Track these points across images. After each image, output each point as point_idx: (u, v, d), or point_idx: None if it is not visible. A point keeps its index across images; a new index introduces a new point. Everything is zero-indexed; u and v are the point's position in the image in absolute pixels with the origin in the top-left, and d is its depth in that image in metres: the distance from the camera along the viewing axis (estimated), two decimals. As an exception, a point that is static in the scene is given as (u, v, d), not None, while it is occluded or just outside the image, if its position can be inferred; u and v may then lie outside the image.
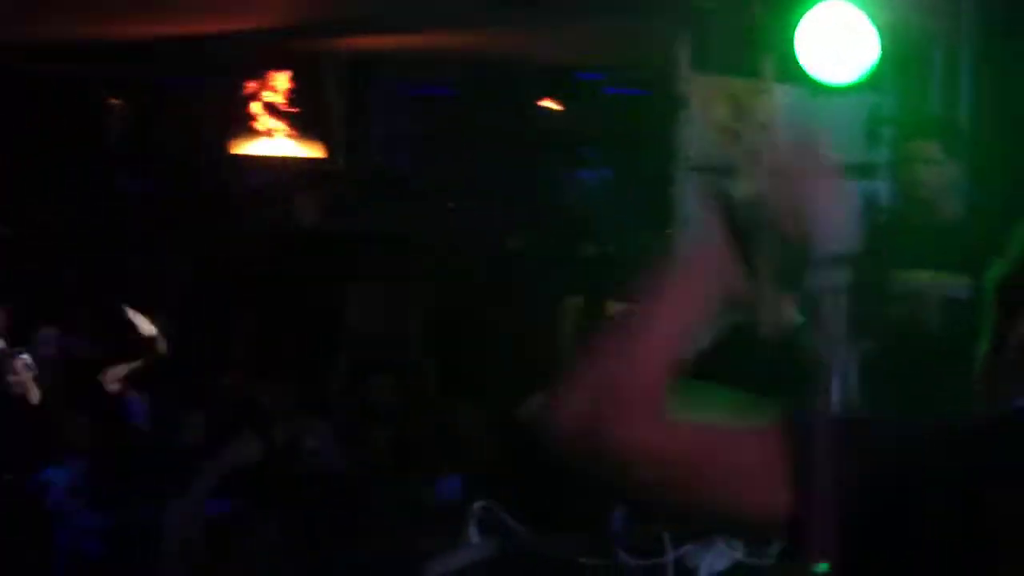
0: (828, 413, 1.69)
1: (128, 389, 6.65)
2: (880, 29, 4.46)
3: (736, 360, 3.70)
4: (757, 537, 3.05)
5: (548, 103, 10.30)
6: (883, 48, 4.48)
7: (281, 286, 9.01)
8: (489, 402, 6.61)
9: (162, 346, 7.16)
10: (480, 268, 8.94)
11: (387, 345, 8.20)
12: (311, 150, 9.70)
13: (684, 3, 5.65)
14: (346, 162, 9.67)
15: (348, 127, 9.51)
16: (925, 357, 4.62)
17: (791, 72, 5.01)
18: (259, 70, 9.66)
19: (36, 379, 6.40)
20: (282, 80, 9.62)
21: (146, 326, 7.13)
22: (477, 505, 3.07)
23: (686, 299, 1.50)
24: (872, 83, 4.97)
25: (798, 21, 4.63)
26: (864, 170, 5.66)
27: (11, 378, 6.31)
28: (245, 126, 9.77)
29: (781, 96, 5.20)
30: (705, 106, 5.40)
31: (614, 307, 8.93)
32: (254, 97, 9.69)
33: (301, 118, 9.59)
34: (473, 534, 3.04)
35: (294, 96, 9.60)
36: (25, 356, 6.48)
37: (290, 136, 9.71)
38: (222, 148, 9.89)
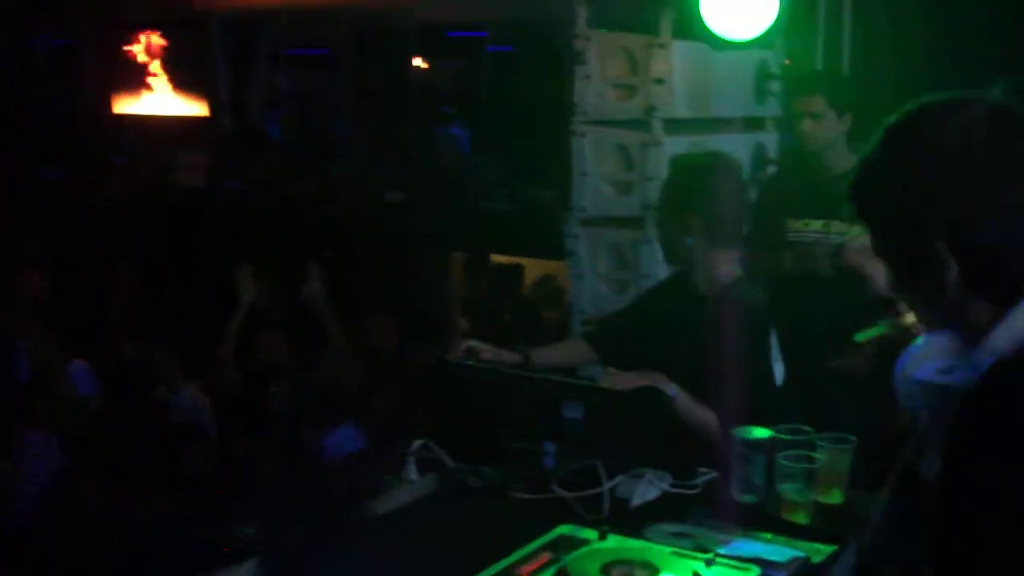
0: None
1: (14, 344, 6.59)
2: (777, -15, 4.60)
3: (673, 311, 3.85)
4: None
5: (428, 61, 10.36)
6: (781, 5, 4.62)
7: (163, 246, 8.96)
8: (387, 352, 6.72)
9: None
10: (363, 223, 8.97)
11: (275, 304, 8.21)
12: (194, 109, 9.63)
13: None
14: (229, 121, 9.62)
15: (231, 87, 9.44)
16: (818, 301, 4.81)
17: (687, 28, 5.14)
18: (142, 28, 9.56)
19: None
20: (165, 39, 9.54)
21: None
22: (416, 444, 3.17)
23: None
24: (760, 39, 5.09)
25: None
26: (753, 124, 5.85)
27: None
28: (126, 84, 9.66)
29: (675, 52, 5.34)
30: (601, 62, 5.51)
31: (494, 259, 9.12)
32: (136, 56, 9.59)
33: (184, 77, 9.52)
34: (412, 472, 3.14)
35: (177, 55, 9.52)
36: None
37: (173, 95, 9.63)
38: (102, 106, 9.78)
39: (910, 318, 3.73)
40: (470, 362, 3.59)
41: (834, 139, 4.86)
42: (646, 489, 3.07)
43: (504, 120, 9.43)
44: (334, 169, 10.01)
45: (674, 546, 2.57)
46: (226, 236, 8.77)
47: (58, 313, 7.32)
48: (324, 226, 8.89)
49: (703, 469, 3.20)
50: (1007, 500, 1.53)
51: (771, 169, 5.78)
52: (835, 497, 3.03)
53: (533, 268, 8.80)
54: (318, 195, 9.38)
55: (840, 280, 4.73)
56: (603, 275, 5.55)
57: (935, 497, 1.62)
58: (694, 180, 3.80)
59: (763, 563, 2.47)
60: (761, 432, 3.06)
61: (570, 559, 2.44)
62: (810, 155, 4.95)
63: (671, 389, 3.43)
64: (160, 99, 9.72)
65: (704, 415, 3.45)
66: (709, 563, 2.44)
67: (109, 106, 9.83)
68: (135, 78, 9.72)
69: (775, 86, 5.72)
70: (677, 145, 5.21)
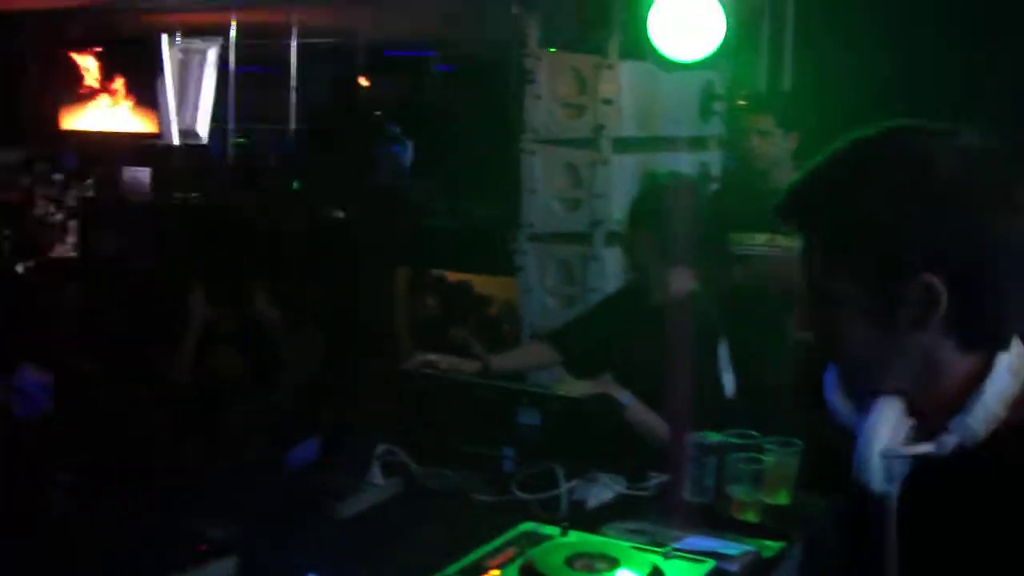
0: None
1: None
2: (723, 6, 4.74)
3: (630, 319, 4.00)
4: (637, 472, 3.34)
5: (373, 80, 10.47)
6: (727, 27, 4.76)
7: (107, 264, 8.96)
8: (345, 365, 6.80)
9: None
10: (307, 239, 9.02)
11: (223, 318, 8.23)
12: (141, 125, 9.66)
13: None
14: (176, 137, 9.64)
15: (178, 103, 9.48)
16: (765, 310, 4.96)
17: (635, 49, 5.29)
18: (90, 45, 9.58)
19: None
20: (113, 56, 9.56)
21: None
22: (380, 448, 3.27)
23: None
24: (706, 60, 5.23)
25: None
26: (697, 143, 6.00)
27: None
28: (73, 100, 9.67)
29: (623, 72, 5.49)
30: (551, 81, 5.65)
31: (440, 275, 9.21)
32: (84, 72, 9.60)
33: (132, 94, 9.55)
34: (377, 475, 3.24)
35: (124, 72, 9.54)
36: None
37: (120, 111, 9.64)
38: (48, 122, 9.78)
39: None
40: (429, 371, 3.70)
41: (780, 157, 5.01)
42: (601, 491, 3.20)
43: (448, 138, 9.54)
44: (277, 186, 10.07)
45: (632, 541, 2.69)
46: (172, 251, 8.79)
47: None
48: (268, 241, 8.93)
49: (655, 472, 3.34)
50: None
51: (713, 187, 5.94)
52: (782, 498, 3.16)
53: (480, 284, 8.91)
54: (261, 211, 9.43)
55: (785, 296, 4.88)
56: (551, 290, 5.69)
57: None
58: (660, 198, 3.97)
59: (717, 556, 2.60)
60: (712, 436, 3.20)
61: (535, 552, 2.56)
62: (756, 172, 5.10)
63: (624, 396, 3.56)
64: (107, 115, 9.73)
65: (656, 421, 3.59)
66: (667, 556, 2.57)
67: (56, 122, 9.83)
68: (82, 94, 9.73)
69: (719, 106, 5.87)
70: (625, 163, 5.36)
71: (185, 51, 9.48)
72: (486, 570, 2.49)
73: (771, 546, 2.82)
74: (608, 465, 3.31)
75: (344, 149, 9.97)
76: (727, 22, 4.78)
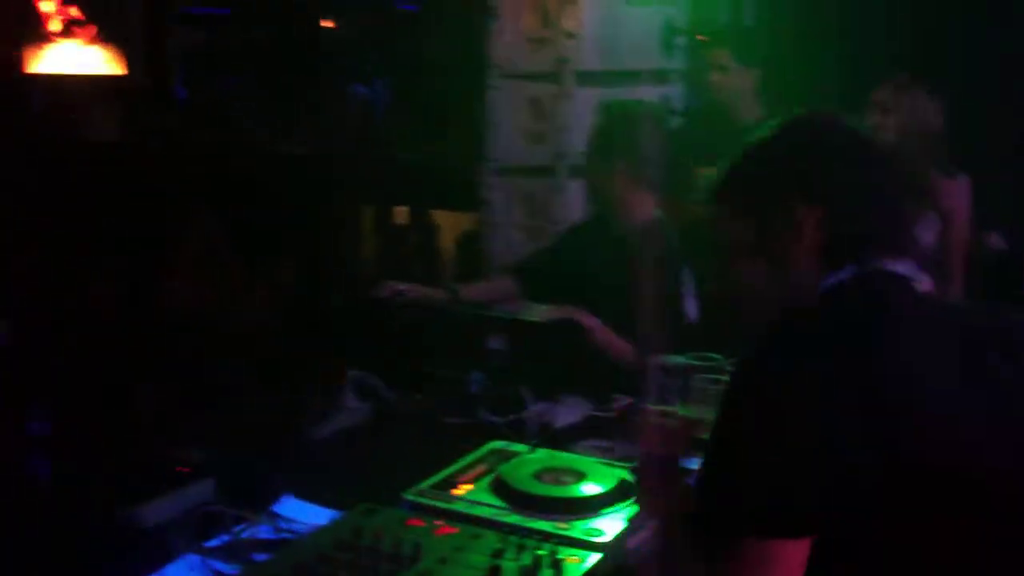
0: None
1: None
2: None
3: (594, 248, 4.08)
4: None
5: (336, 19, 10.44)
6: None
7: (74, 204, 8.95)
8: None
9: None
10: (269, 176, 9.03)
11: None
12: (107, 67, 9.60)
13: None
14: (142, 78, 9.60)
15: (143, 44, 9.44)
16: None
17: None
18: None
19: None
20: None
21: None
22: (352, 373, 3.34)
23: None
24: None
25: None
26: (660, 77, 6.06)
27: None
28: (36, 41, 9.60)
29: (587, 6, 5.52)
30: (514, 16, 5.68)
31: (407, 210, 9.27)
32: (48, 13, 9.54)
33: (99, 34, 9.48)
34: (351, 399, 3.32)
35: (90, 12, 9.48)
36: None
37: (88, 51, 9.58)
38: (9, 63, 9.71)
39: None
40: (398, 300, 3.77)
41: (741, 91, 5.08)
42: (568, 413, 3.29)
43: (414, 76, 9.53)
44: (241, 125, 10.04)
45: (599, 458, 2.78)
46: (141, 191, 8.79)
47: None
48: (232, 180, 8.94)
49: (621, 395, 3.43)
50: None
51: (676, 120, 6.00)
52: (743, 418, 3.24)
53: (446, 219, 8.96)
54: (225, 149, 9.42)
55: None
56: (517, 223, 5.75)
57: None
58: (622, 125, 4.03)
59: (683, 471, 2.68)
60: (675, 359, 3.27)
61: (504, 468, 2.64)
62: (717, 106, 5.17)
63: (589, 321, 3.65)
64: (75, 56, 9.67)
65: (621, 345, 3.68)
66: (633, 470, 2.65)
67: (20, 63, 9.77)
68: (46, 35, 9.66)
69: (681, 40, 5.93)
70: (588, 97, 5.40)
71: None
72: (456, 485, 2.57)
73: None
74: (575, 388, 3.40)
75: (308, 88, 9.95)
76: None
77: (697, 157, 5.18)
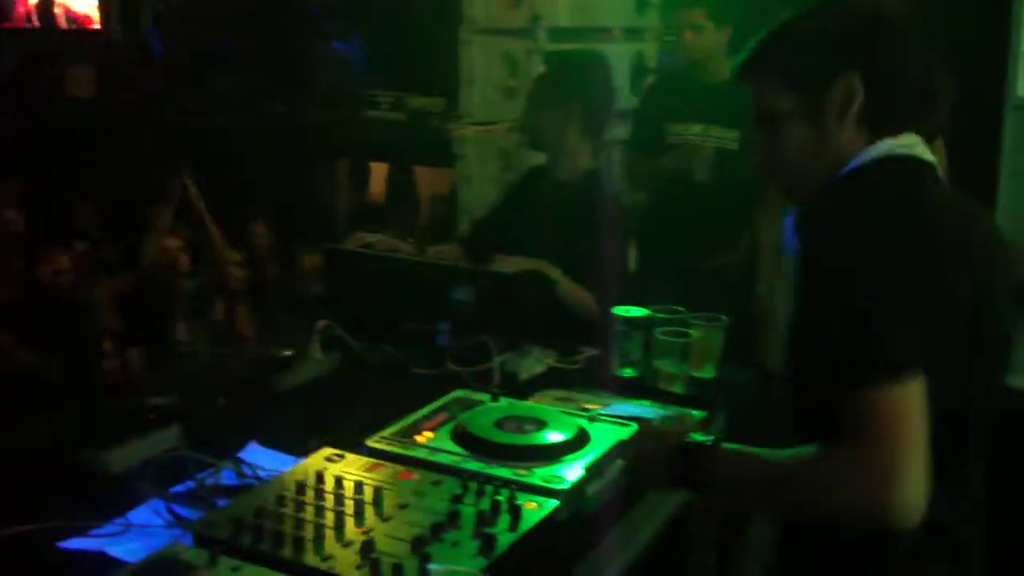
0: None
1: None
2: None
3: (537, 200, 4.11)
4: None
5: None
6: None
7: (49, 163, 8.94)
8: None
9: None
10: (247, 133, 9.03)
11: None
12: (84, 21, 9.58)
13: None
14: (119, 34, 9.58)
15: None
16: (696, 203, 5.08)
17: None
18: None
19: None
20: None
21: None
22: (319, 324, 3.37)
23: None
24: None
25: None
26: (633, 34, 6.08)
27: None
28: None
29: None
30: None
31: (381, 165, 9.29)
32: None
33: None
34: (317, 350, 3.35)
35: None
36: None
37: (64, 8, 9.55)
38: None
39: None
40: (367, 251, 3.80)
41: (713, 50, 5.10)
42: (532, 364, 3.32)
43: (390, 33, 9.51)
44: (217, 82, 10.01)
45: (560, 407, 2.82)
46: (117, 148, 8.80)
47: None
48: (208, 137, 8.94)
49: (585, 346, 3.47)
50: None
51: (650, 78, 6.02)
52: (707, 372, 3.28)
53: (420, 174, 8.99)
54: (201, 107, 9.42)
55: (716, 185, 5.01)
56: (491, 177, 5.78)
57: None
58: (566, 74, 4.06)
59: (640, 420, 2.73)
60: (638, 311, 3.31)
61: (465, 416, 2.67)
62: (692, 64, 5.19)
63: (554, 272, 3.69)
64: (52, 12, 9.63)
65: (584, 296, 3.72)
66: (593, 419, 2.70)
67: None
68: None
69: (654, -2, 5.95)
70: (561, 53, 5.42)
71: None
72: (419, 432, 2.60)
73: (695, 415, 2.94)
74: (539, 339, 3.43)
75: (283, 45, 9.92)
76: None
77: (668, 114, 5.22)
